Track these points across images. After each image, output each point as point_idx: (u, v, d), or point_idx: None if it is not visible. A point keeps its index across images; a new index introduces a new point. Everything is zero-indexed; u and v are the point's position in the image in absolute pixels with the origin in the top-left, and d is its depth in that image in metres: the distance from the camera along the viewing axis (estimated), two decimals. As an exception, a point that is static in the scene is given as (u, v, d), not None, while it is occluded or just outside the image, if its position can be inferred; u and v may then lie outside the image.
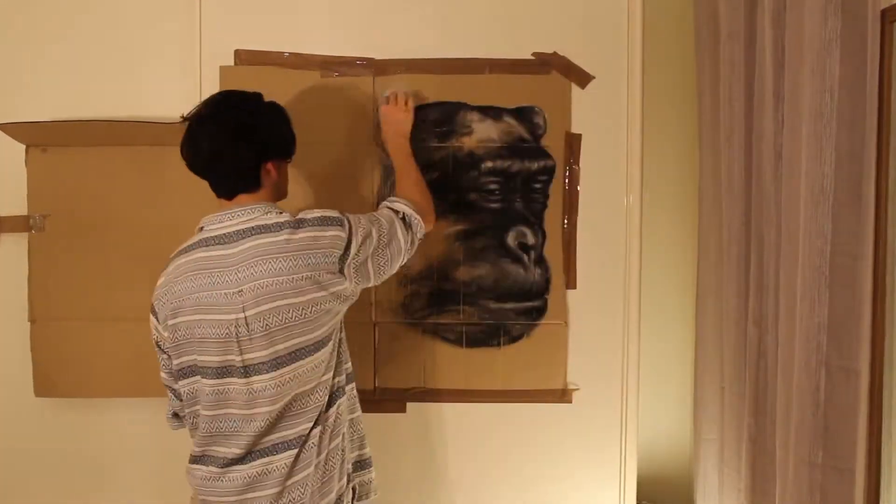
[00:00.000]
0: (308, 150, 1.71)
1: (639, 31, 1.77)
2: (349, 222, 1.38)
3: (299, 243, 1.31)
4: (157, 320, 1.41)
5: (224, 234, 1.34)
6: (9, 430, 1.86)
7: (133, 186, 1.79)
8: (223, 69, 1.78)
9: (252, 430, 1.33)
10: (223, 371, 1.34)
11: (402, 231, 1.47)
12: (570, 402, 1.82)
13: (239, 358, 1.32)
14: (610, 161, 1.80)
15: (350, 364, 1.51)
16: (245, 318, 1.30)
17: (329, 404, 1.41)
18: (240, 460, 1.35)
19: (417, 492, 1.83)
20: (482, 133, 1.78)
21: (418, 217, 1.51)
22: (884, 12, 1.27)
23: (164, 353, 1.44)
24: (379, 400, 1.81)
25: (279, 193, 1.46)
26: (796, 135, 1.38)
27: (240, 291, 1.30)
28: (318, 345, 1.35)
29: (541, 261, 1.80)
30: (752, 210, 1.63)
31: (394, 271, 1.47)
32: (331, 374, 1.40)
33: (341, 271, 1.35)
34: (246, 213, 1.35)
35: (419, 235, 1.52)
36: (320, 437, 1.38)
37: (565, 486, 1.84)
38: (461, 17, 1.79)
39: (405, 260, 1.49)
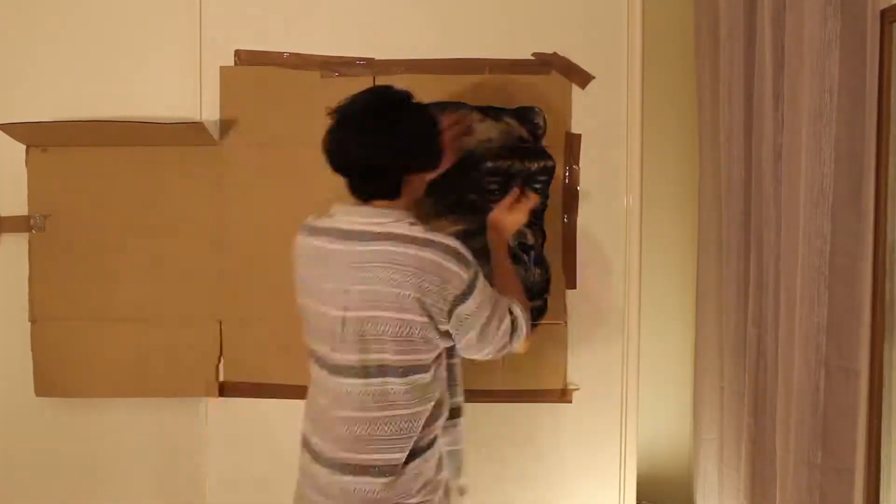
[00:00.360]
0: (307, 151, 1.71)
1: (639, 31, 1.77)
2: (477, 273, 1.31)
3: (422, 262, 1.26)
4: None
5: (353, 230, 1.30)
6: (9, 430, 1.86)
7: (133, 186, 1.79)
8: (223, 69, 1.78)
9: (339, 432, 1.31)
10: (318, 360, 1.36)
11: (505, 328, 1.35)
12: (570, 402, 1.82)
13: (331, 355, 1.32)
14: (610, 161, 1.80)
15: (459, 399, 1.48)
16: (344, 317, 1.28)
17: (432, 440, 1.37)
18: (336, 469, 1.33)
19: (417, 492, 1.83)
20: (482, 133, 1.78)
21: (523, 334, 1.38)
22: (883, 12, 1.27)
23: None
24: (379, 400, 1.81)
25: (414, 200, 1.41)
26: (796, 135, 1.38)
27: (346, 291, 1.28)
28: (412, 370, 1.30)
29: (540, 261, 1.80)
30: (751, 210, 1.63)
31: (476, 352, 1.36)
32: (428, 406, 1.34)
33: (450, 313, 1.29)
34: (379, 215, 1.31)
35: (512, 348, 1.39)
36: (419, 469, 1.34)
37: (565, 485, 1.84)
38: (461, 18, 1.79)
39: (483, 356, 1.37)
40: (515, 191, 1.60)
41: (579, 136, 1.79)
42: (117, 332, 1.79)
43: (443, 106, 1.78)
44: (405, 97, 1.33)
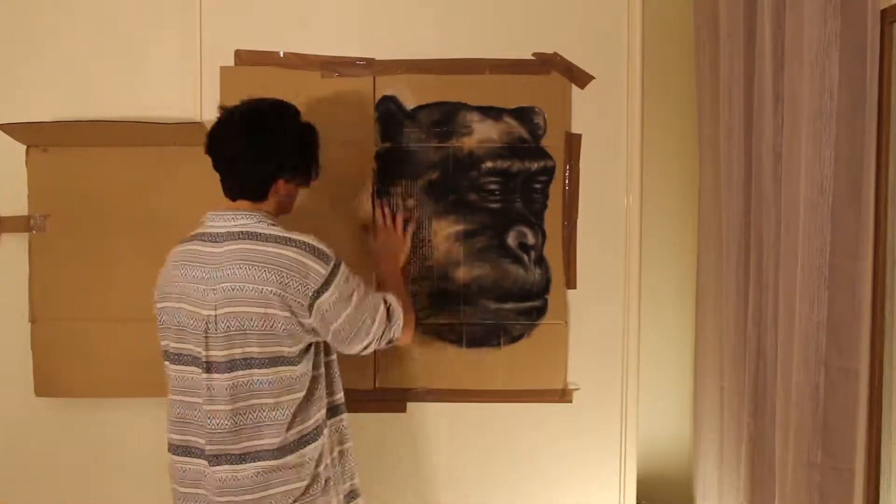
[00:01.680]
0: (308, 150, 1.71)
1: (639, 31, 1.77)
2: (336, 268, 1.38)
3: (280, 259, 1.33)
4: (156, 300, 1.47)
5: (216, 232, 1.38)
6: (9, 430, 1.86)
7: (133, 186, 1.79)
8: (223, 69, 1.78)
9: (213, 427, 1.37)
10: (189, 360, 1.39)
11: (381, 318, 1.43)
12: (570, 401, 1.82)
13: (204, 353, 1.36)
14: (610, 161, 1.80)
15: (340, 395, 1.53)
16: (215, 315, 1.34)
17: (300, 428, 1.41)
18: (211, 460, 1.38)
19: (417, 491, 1.83)
20: (482, 133, 1.78)
21: (401, 317, 1.47)
22: (884, 12, 1.27)
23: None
24: (379, 400, 1.81)
25: (282, 209, 1.48)
26: (796, 135, 1.38)
27: (214, 290, 1.34)
28: (278, 361, 1.36)
29: (541, 261, 1.80)
30: (751, 210, 1.63)
31: (349, 350, 1.43)
32: (299, 395, 1.39)
33: (310, 307, 1.35)
34: (241, 216, 1.38)
35: (392, 335, 1.47)
36: (298, 460, 1.39)
37: (565, 485, 1.84)
38: (461, 18, 1.79)
39: (365, 349, 1.43)
40: (384, 212, 1.74)
41: (579, 136, 1.79)
42: (117, 332, 1.79)
43: (443, 106, 1.78)
44: (286, 107, 1.44)
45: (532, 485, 1.84)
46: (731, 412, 1.76)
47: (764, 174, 1.55)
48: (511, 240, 1.79)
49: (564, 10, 1.78)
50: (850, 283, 1.30)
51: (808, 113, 1.33)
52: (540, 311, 1.80)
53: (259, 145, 1.39)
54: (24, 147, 1.78)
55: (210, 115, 1.78)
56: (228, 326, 1.34)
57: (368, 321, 1.41)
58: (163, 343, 1.44)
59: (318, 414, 1.44)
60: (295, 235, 1.37)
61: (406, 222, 1.75)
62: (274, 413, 1.37)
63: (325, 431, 1.46)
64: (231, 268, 1.33)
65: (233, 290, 1.33)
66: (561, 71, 1.78)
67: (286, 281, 1.32)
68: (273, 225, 1.39)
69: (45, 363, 1.80)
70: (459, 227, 1.79)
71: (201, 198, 1.82)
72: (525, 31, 1.78)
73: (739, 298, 1.70)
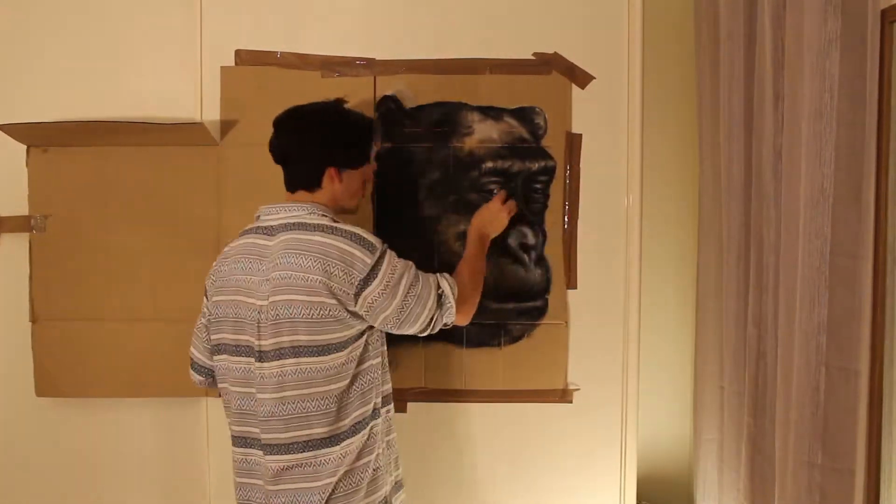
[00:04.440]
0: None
1: (639, 31, 1.77)
2: (382, 256, 1.40)
3: (326, 248, 1.36)
4: (206, 297, 1.51)
5: (271, 225, 1.43)
6: (9, 430, 1.86)
7: (133, 187, 1.79)
8: (223, 69, 1.78)
9: (264, 415, 1.39)
10: (246, 351, 1.41)
11: (431, 305, 1.44)
12: (571, 402, 1.82)
13: (257, 343, 1.38)
14: (610, 161, 1.80)
15: (389, 385, 1.54)
16: (266, 305, 1.37)
17: (352, 417, 1.42)
18: (265, 449, 1.40)
19: (417, 491, 1.83)
20: (483, 133, 1.78)
21: (453, 303, 1.47)
22: (884, 12, 1.27)
23: (205, 326, 1.52)
24: (379, 400, 1.81)
25: (337, 200, 1.50)
26: (796, 135, 1.38)
27: (267, 279, 1.37)
28: (326, 349, 1.37)
29: (541, 261, 1.80)
30: (751, 210, 1.63)
31: (400, 332, 1.45)
32: (345, 383, 1.40)
33: (356, 296, 1.37)
34: (294, 209, 1.43)
35: (444, 321, 1.48)
36: (346, 449, 1.40)
37: (565, 485, 1.84)
38: (462, 18, 1.79)
39: (419, 333, 1.46)
40: (503, 194, 1.74)
41: (580, 136, 1.79)
42: (117, 332, 1.79)
43: (443, 106, 1.78)
44: (333, 103, 1.52)
45: (532, 484, 1.84)
46: (731, 412, 1.76)
47: (764, 174, 1.55)
48: (511, 240, 1.79)
49: (564, 10, 1.78)
50: (850, 283, 1.30)
51: (808, 113, 1.33)
52: (540, 311, 1.80)
53: (309, 138, 1.46)
54: (24, 147, 1.78)
55: (210, 115, 1.78)
56: (277, 315, 1.35)
57: (417, 309, 1.42)
58: (216, 336, 1.46)
59: (371, 403, 1.45)
60: (341, 225, 1.40)
61: (511, 206, 1.74)
62: (322, 402, 1.38)
63: (378, 421, 1.47)
64: (281, 257, 1.36)
65: (281, 279, 1.35)
66: (561, 71, 1.78)
67: (331, 270, 1.34)
68: (323, 216, 1.42)
69: (45, 363, 1.80)
70: (460, 228, 1.79)
71: (201, 198, 1.82)
72: (525, 31, 1.78)
73: (739, 298, 1.70)
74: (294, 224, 1.40)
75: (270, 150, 1.49)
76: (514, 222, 1.78)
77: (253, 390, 1.41)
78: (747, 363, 1.65)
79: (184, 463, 1.86)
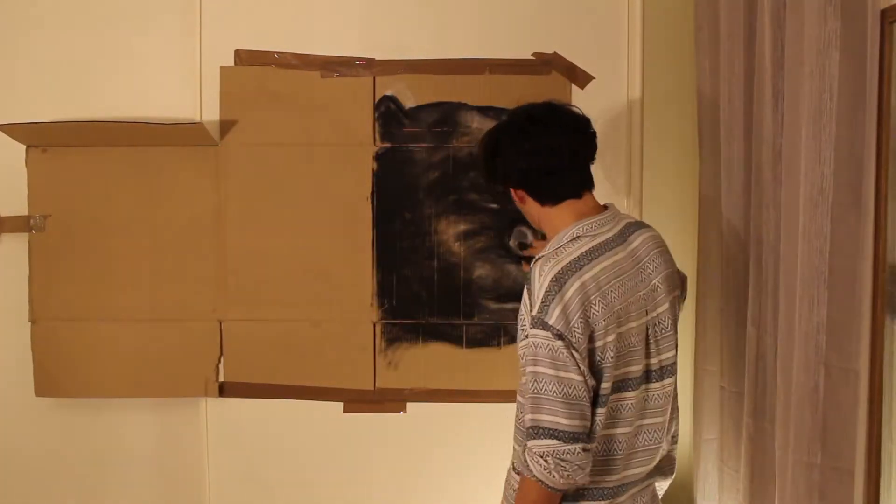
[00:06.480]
0: (306, 150, 1.72)
1: (639, 31, 1.78)
2: None
3: (663, 241, 1.34)
4: (582, 340, 1.19)
5: (616, 234, 1.29)
6: (9, 430, 1.86)
7: (133, 186, 1.79)
8: (223, 69, 1.78)
9: (666, 442, 1.31)
10: (644, 377, 1.27)
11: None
12: (570, 402, 1.81)
13: (655, 360, 1.28)
14: (610, 161, 1.80)
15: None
16: (657, 314, 1.28)
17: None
18: (640, 479, 1.31)
19: (417, 491, 1.83)
20: (482, 133, 1.78)
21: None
22: (884, 12, 1.27)
23: (583, 374, 1.20)
24: (379, 400, 1.81)
25: (531, 220, 1.45)
26: (796, 135, 1.38)
27: (655, 288, 1.28)
28: (673, 367, 1.33)
29: (541, 261, 1.80)
30: (751, 210, 1.63)
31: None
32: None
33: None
34: (611, 209, 1.33)
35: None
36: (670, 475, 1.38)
37: (565, 486, 1.83)
38: (461, 18, 1.79)
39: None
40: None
41: (579, 136, 1.79)
42: (117, 332, 1.79)
43: (443, 106, 1.78)
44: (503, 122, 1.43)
45: (532, 485, 1.84)
46: (731, 412, 1.76)
47: (763, 174, 1.55)
48: (511, 240, 1.79)
49: (564, 10, 1.78)
50: (850, 283, 1.30)
51: (808, 113, 1.32)
52: (540, 311, 1.80)
53: (580, 127, 1.38)
54: (24, 147, 1.78)
55: (210, 115, 1.78)
56: (674, 317, 1.31)
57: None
58: (619, 372, 1.23)
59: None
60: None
61: None
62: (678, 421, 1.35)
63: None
64: (657, 257, 1.30)
65: (670, 278, 1.31)
66: (561, 71, 1.78)
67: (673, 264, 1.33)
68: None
69: (45, 363, 1.80)
70: (460, 228, 1.79)
71: (201, 198, 1.83)
72: (525, 31, 1.78)
73: (739, 299, 1.70)
74: (632, 224, 1.33)
75: (540, 156, 1.31)
76: (515, 222, 1.78)
77: (647, 421, 1.29)
78: (747, 363, 1.65)
79: (183, 463, 1.86)
